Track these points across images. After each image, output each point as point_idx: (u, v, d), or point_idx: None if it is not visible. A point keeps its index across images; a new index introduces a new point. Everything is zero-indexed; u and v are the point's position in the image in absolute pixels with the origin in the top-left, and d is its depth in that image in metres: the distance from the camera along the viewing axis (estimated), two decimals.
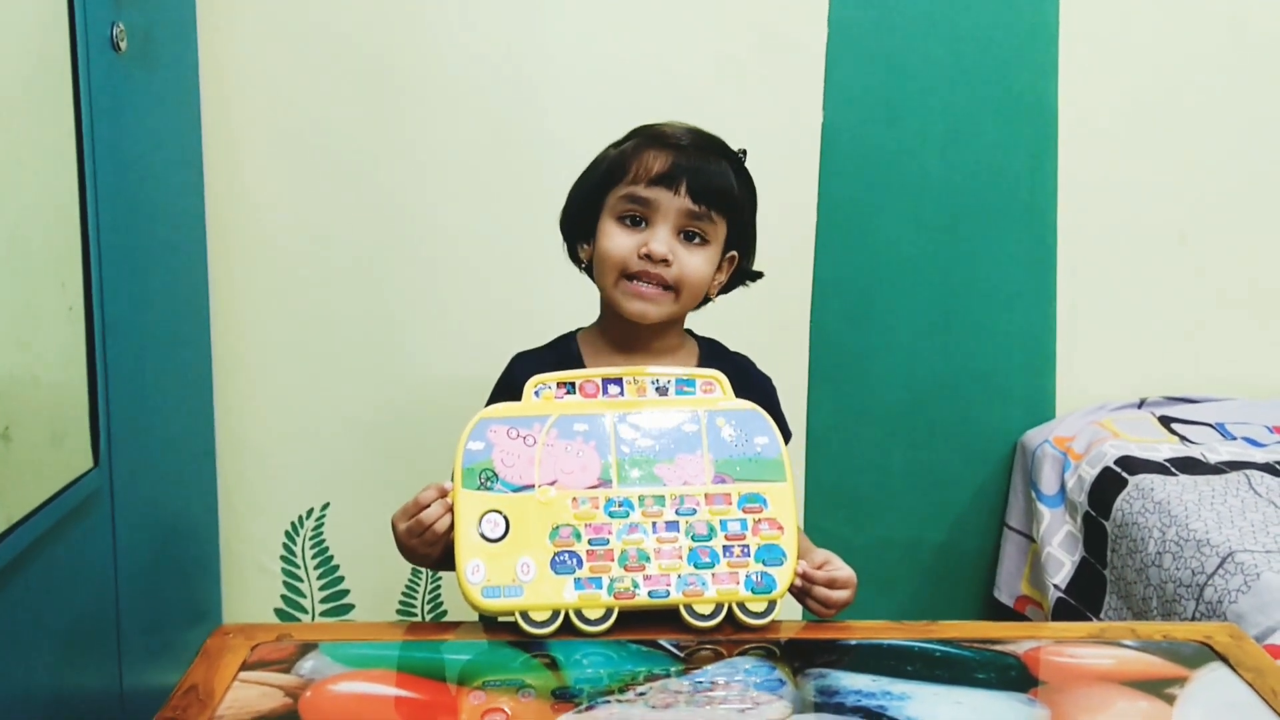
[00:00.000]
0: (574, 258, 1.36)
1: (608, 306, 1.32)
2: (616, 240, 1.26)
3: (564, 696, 0.96)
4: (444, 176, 1.97)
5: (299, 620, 2.06)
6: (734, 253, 1.33)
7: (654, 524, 1.10)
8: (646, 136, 1.30)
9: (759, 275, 1.39)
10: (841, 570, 1.15)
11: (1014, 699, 0.98)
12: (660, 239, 1.24)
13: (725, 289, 1.36)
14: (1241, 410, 2.06)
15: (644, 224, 1.26)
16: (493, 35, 1.95)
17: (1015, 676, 1.02)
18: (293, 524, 2.05)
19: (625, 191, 1.26)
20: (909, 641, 1.08)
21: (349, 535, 2.05)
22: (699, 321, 1.39)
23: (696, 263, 1.26)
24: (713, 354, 1.35)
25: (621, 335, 1.31)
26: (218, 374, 1.97)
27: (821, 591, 1.13)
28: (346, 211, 1.97)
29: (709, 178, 1.26)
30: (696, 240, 1.27)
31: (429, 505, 1.12)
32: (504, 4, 1.94)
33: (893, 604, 2.14)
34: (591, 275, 1.35)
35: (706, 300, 1.34)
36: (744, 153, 1.33)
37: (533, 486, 1.11)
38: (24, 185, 1.19)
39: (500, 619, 1.09)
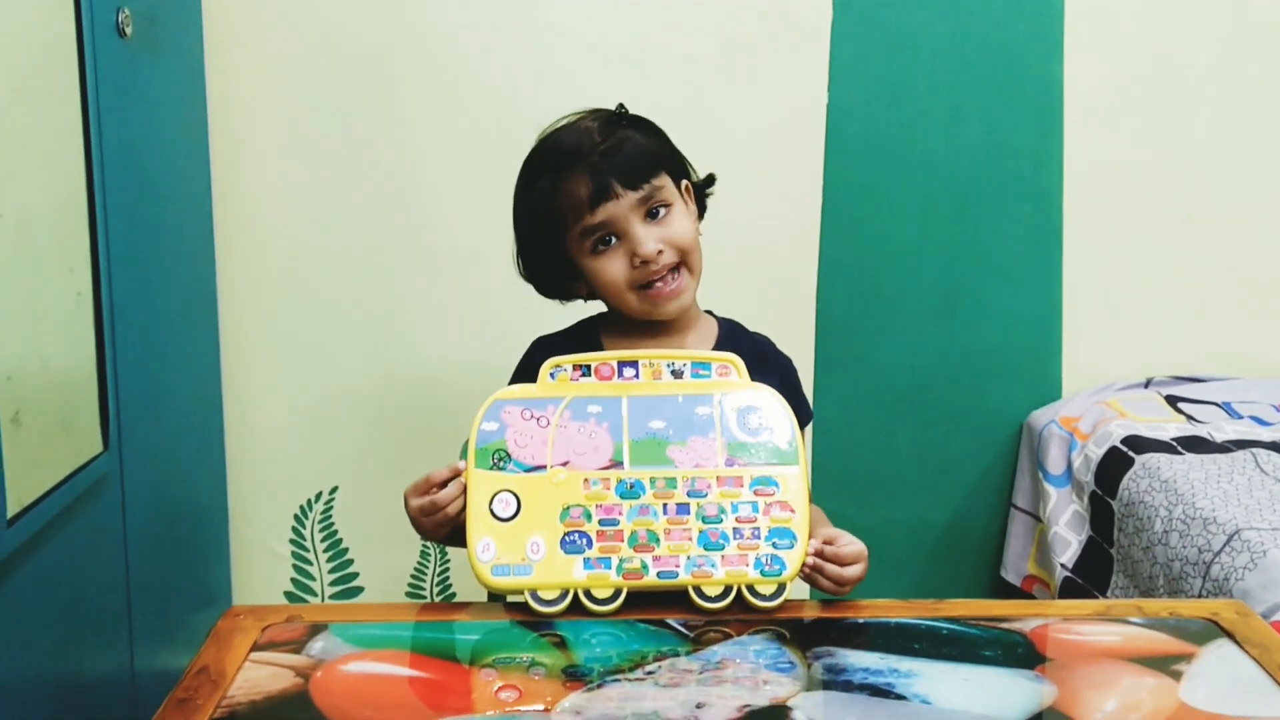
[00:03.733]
0: (563, 295, 1.35)
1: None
2: (610, 269, 1.25)
3: (574, 675, 0.97)
4: (449, 160, 1.97)
5: (308, 602, 2.08)
6: (685, 183, 1.32)
7: (665, 505, 1.10)
8: (552, 168, 1.26)
9: (712, 179, 1.37)
10: (849, 545, 1.14)
11: (1021, 676, 0.98)
12: (640, 240, 1.23)
13: (701, 215, 1.34)
14: (1248, 389, 2.06)
15: (614, 239, 1.25)
16: (495, 17, 1.94)
17: (1022, 654, 1.03)
18: (302, 507, 2.05)
19: (578, 229, 1.24)
20: (916, 620, 1.09)
21: (358, 518, 2.06)
22: (711, 300, 1.38)
23: (679, 226, 1.26)
24: (732, 334, 1.35)
25: (639, 319, 1.31)
26: (226, 358, 1.98)
27: (832, 569, 1.12)
28: (352, 196, 1.97)
29: (628, 161, 1.24)
30: (661, 212, 1.26)
31: (442, 484, 1.12)
32: None
33: (900, 585, 2.15)
34: (599, 298, 1.35)
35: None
36: (622, 106, 1.31)
37: (545, 467, 1.11)
38: (31, 172, 1.19)
39: (509, 598, 1.10)
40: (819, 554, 1.12)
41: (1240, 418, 1.96)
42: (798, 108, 2.01)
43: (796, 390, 1.33)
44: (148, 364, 1.55)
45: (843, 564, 1.13)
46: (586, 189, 1.23)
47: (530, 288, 1.33)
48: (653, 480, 1.11)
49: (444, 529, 1.14)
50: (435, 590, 2.10)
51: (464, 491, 1.11)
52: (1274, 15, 2.06)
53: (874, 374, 2.11)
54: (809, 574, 1.12)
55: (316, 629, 1.06)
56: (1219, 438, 1.86)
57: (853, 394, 2.10)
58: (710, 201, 1.36)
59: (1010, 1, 2.01)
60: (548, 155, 1.28)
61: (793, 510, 1.11)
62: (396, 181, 1.97)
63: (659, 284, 1.25)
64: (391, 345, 2.02)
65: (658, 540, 1.09)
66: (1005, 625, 1.07)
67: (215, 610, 1.81)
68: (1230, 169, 2.10)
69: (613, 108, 1.32)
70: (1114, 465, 1.83)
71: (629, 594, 1.08)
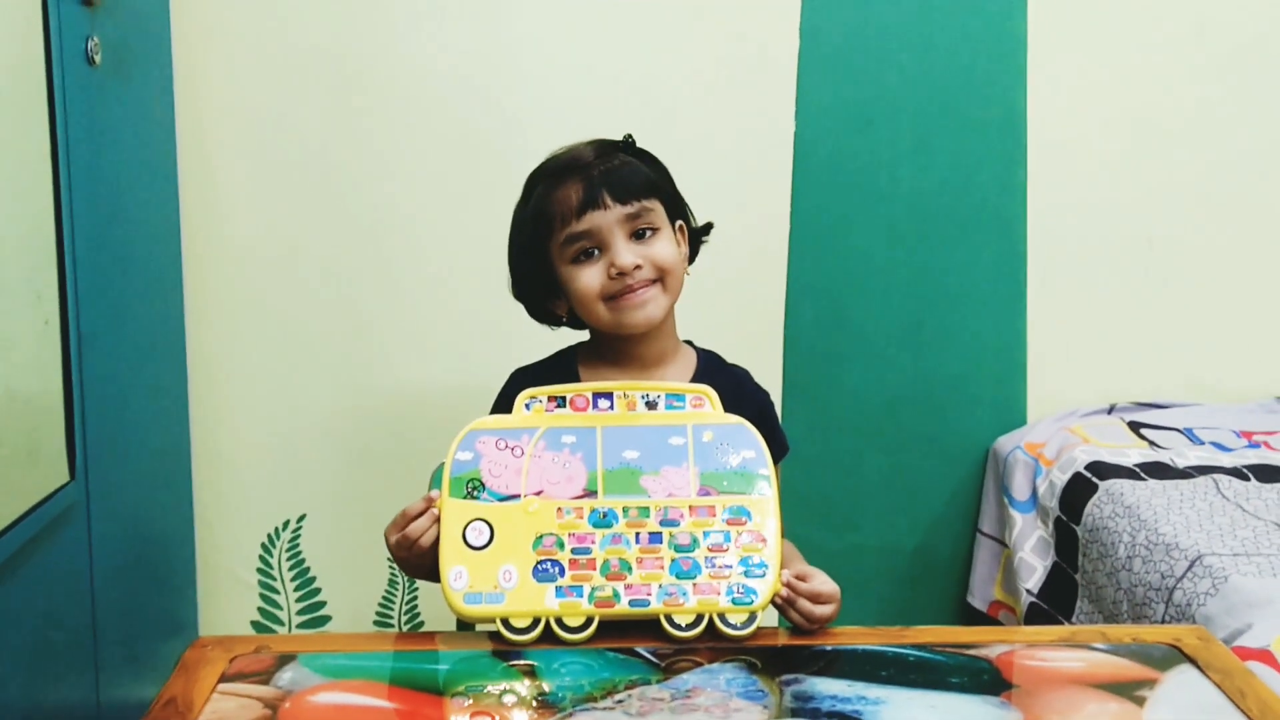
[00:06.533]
0: (548, 318, 1.36)
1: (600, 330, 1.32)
2: (585, 278, 1.26)
3: (545, 704, 0.97)
4: (417, 186, 1.97)
5: (276, 632, 2.06)
6: (679, 223, 1.34)
7: (637, 534, 1.11)
8: (548, 176, 1.30)
9: (710, 227, 1.39)
10: (826, 585, 1.15)
11: (986, 702, 0.99)
12: (620, 253, 1.25)
13: (692, 259, 1.37)
14: (1209, 415, 2.09)
15: (597, 252, 1.26)
16: (464, 46, 1.95)
17: (988, 680, 1.04)
18: (269, 536, 2.04)
19: (563, 236, 1.26)
20: (883, 647, 1.09)
21: (326, 547, 2.05)
22: (680, 325, 1.39)
23: (662, 248, 1.27)
24: (711, 366, 1.36)
25: (616, 349, 1.32)
26: (193, 386, 1.97)
27: (805, 605, 1.13)
28: (321, 222, 1.97)
29: (622, 177, 1.27)
30: (648, 234, 1.28)
31: (417, 518, 1.12)
32: (476, 14, 1.95)
33: (867, 610, 2.15)
34: (575, 325, 1.35)
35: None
36: (629, 137, 1.34)
37: (519, 496, 1.12)
38: None
39: (480, 626, 1.10)
40: (793, 587, 1.12)
41: (1202, 444, 1.99)
42: (765, 136, 2.03)
43: (773, 424, 1.34)
44: (115, 392, 1.54)
45: (816, 601, 1.13)
46: (577, 196, 1.25)
47: (498, 313, 1.34)
48: (625, 509, 1.12)
49: (426, 559, 1.13)
50: (403, 619, 2.09)
51: (436, 522, 1.12)
52: (1234, 44, 2.10)
53: (841, 399, 2.12)
54: (781, 605, 1.13)
55: (285, 659, 1.05)
56: (1181, 463, 1.89)
57: (820, 418, 2.12)
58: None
59: (974, 33, 2.04)
60: (546, 167, 1.32)
61: (765, 540, 1.11)
62: (366, 207, 1.97)
63: (629, 294, 1.26)
64: (360, 372, 2.01)
65: (630, 569, 1.09)
66: (971, 652, 1.08)
67: (182, 641, 1.80)
68: (1191, 196, 2.13)
69: (619, 138, 1.34)
70: (1078, 491, 1.85)
71: (601, 623, 1.08)
